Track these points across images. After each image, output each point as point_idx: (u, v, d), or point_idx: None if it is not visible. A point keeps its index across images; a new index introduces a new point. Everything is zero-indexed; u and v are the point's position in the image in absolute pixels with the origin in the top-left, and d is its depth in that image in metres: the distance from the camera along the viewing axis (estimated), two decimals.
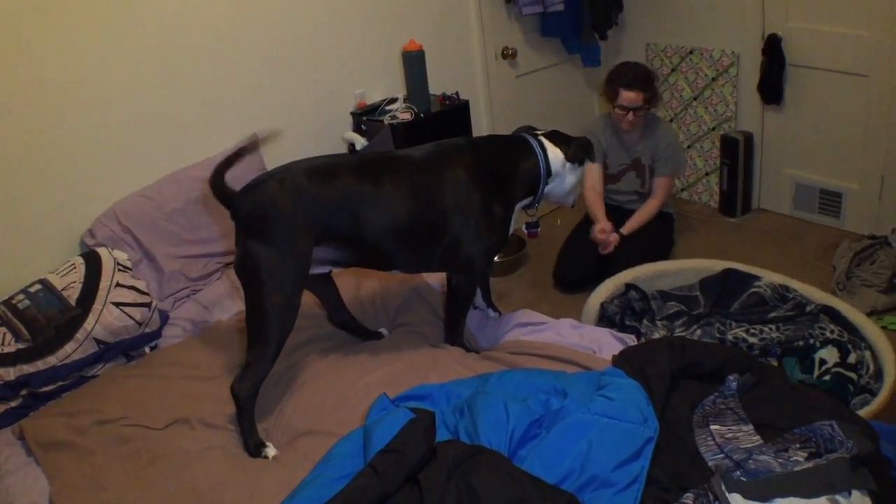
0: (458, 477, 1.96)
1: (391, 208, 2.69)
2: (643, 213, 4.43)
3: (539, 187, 3.02)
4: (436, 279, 3.38)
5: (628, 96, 4.19)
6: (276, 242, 2.54)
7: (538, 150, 2.98)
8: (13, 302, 2.95)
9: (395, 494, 1.98)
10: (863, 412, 3.02)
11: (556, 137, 3.08)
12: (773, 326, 3.68)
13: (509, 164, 2.94)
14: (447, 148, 2.87)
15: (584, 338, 2.95)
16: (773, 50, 4.90)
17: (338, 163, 2.75)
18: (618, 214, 4.54)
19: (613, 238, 4.33)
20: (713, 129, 5.45)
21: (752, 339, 3.64)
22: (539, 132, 3.10)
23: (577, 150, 3.06)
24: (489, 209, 2.82)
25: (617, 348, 2.77)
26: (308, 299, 3.02)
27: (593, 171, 4.51)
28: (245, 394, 2.55)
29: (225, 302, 3.43)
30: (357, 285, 3.44)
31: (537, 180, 2.99)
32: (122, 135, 3.47)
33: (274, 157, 3.85)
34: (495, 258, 4.73)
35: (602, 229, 4.34)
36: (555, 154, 3.01)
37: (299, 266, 2.61)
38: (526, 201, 3.06)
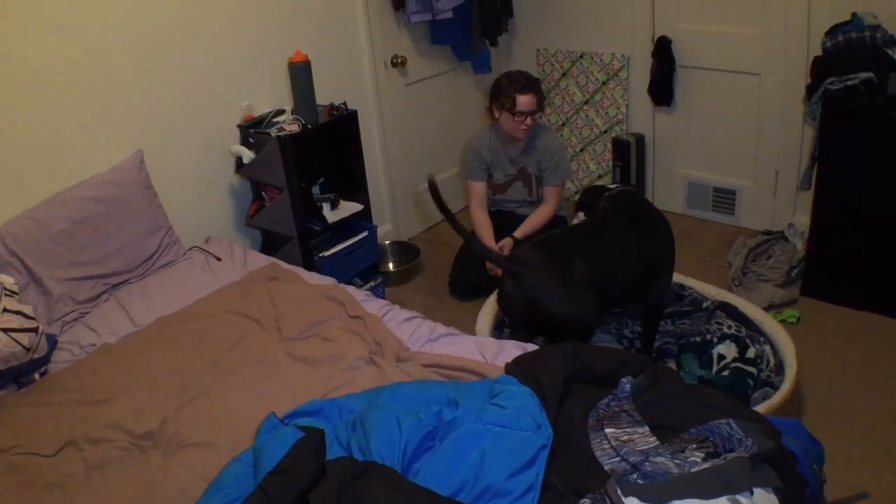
0: (349, 495, 1.91)
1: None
2: (536, 219, 4.40)
3: None
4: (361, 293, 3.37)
5: (525, 100, 4.14)
6: None
7: None
8: None
9: None
10: (765, 406, 3.03)
11: None
12: (669, 321, 3.70)
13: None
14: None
15: (486, 349, 2.90)
16: (662, 52, 4.95)
17: None
18: (509, 219, 4.52)
19: (506, 243, 4.30)
20: (605, 131, 5.47)
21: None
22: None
23: None
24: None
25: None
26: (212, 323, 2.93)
27: (479, 187, 4.49)
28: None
29: (113, 324, 3.33)
30: (268, 290, 3.40)
31: None
32: (3, 156, 3.32)
33: (161, 172, 3.80)
34: (391, 266, 4.91)
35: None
36: None
37: None
38: None
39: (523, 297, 3.20)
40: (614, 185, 3.87)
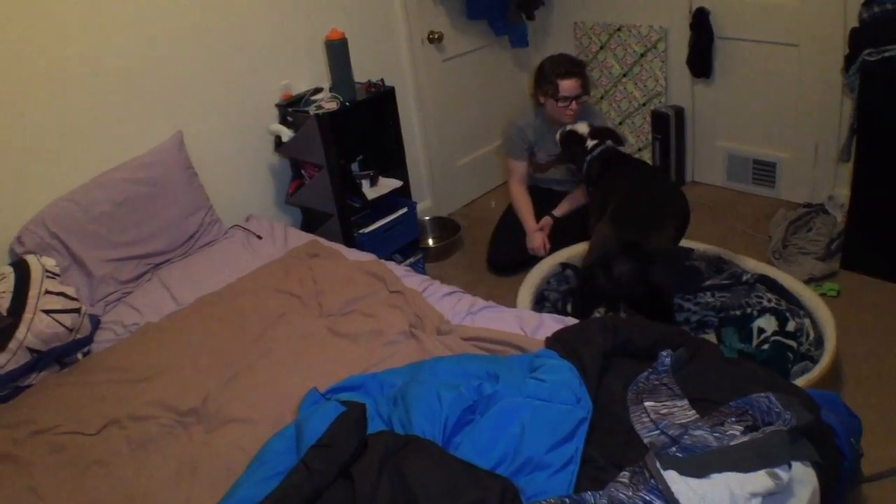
0: (391, 468, 1.93)
1: None
2: (577, 197, 4.39)
3: None
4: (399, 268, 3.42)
5: (568, 85, 4.11)
6: None
7: None
8: None
9: (329, 489, 1.94)
10: (804, 379, 3.02)
11: None
12: (709, 293, 3.68)
13: None
14: None
15: (526, 322, 2.90)
16: (701, 23, 4.89)
17: None
18: (547, 196, 4.51)
19: (546, 221, 4.30)
20: (643, 104, 5.42)
21: (687, 305, 3.63)
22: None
23: None
24: None
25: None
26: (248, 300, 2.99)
27: (520, 166, 4.47)
28: None
29: (155, 303, 3.36)
30: (309, 267, 3.42)
31: None
32: (45, 139, 3.35)
33: (200, 153, 3.84)
34: (430, 242, 4.93)
35: (535, 230, 4.38)
36: None
37: None
38: None
39: (642, 275, 3.24)
40: (593, 142, 3.94)
